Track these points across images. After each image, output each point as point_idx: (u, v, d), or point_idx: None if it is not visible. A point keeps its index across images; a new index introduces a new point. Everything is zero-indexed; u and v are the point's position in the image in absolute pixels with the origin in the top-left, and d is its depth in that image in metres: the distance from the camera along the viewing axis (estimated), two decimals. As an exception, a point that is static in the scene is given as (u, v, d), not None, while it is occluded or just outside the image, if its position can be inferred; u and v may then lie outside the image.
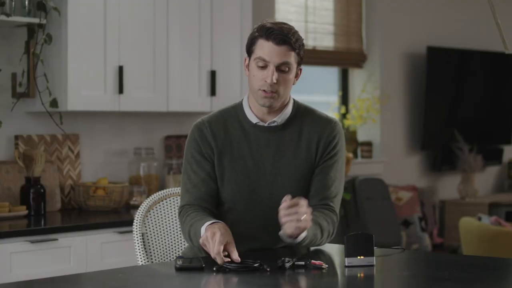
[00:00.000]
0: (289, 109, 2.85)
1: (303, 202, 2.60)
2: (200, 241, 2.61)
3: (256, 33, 2.77)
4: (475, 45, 7.25)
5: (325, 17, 6.30)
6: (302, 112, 2.88)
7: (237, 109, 2.88)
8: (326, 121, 2.87)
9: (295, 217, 2.57)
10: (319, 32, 6.24)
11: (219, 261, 2.49)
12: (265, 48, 2.73)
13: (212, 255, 2.52)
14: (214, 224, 2.61)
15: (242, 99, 2.90)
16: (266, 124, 2.84)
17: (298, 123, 2.85)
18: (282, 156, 2.82)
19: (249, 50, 2.80)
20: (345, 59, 6.47)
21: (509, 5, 7.33)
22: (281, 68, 2.75)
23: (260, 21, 2.81)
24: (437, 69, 6.81)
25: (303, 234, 2.65)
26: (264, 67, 2.75)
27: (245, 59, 2.84)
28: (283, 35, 2.74)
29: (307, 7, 6.15)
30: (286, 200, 2.59)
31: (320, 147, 2.84)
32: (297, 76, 2.82)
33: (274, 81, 2.73)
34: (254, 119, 2.84)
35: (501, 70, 7.40)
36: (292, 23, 2.91)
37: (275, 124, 2.83)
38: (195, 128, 2.87)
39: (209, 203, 2.82)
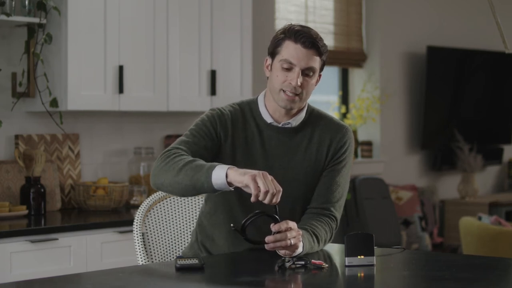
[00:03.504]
0: (303, 113, 2.85)
1: (292, 224, 2.59)
2: (246, 178, 2.48)
3: (283, 35, 2.75)
4: (475, 44, 7.25)
5: (325, 17, 6.30)
6: (315, 116, 2.87)
7: (252, 105, 2.85)
8: (338, 127, 2.87)
9: (284, 243, 2.56)
10: (319, 31, 6.19)
11: (275, 199, 2.47)
12: (293, 51, 2.72)
13: (272, 190, 2.47)
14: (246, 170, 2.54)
15: (257, 97, 2.87)
16: (280, 125, 2.82)
17: (310, 127, 2.84)
18: (291, 158, 2.81)
19: (274, 51, 2.77)
20: (345, 58, 6.47)
21: (509, 5, 7.33)
22: (306, 72, 2.73)
23: (286, 24, 2.79)
24: (437, 68, 6.80)
25: (300, 250, 2.63)
26: (289, 69, 2.73)
27: (266, 60, 2.81)
28: (312, 39, 2.74)
29: (307, 7, 6.15)
30: (273, 226, 2.56)
31: (330, 151, 2.83)
32: (316, 82, 2.81)
33: (299, 84, 2.71)
34: (268, 119, 2.82)
35: (501, 70, 7.40)
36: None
37: (289, 126, 2.82)
38: (216, 110, 2.81)
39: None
